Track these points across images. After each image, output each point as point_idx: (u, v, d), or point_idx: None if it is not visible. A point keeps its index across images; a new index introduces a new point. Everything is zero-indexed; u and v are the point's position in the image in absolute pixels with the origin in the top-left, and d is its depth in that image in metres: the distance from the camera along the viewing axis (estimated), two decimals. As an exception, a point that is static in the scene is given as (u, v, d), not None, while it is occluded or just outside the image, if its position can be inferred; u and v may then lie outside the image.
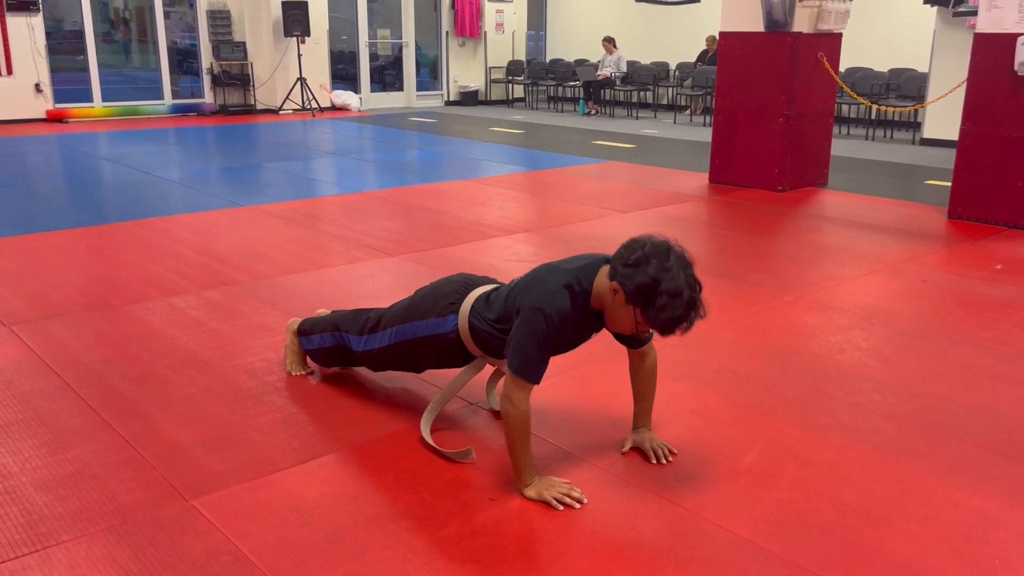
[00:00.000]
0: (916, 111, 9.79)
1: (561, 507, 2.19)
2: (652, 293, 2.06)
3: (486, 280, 2.61)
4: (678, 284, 2.05)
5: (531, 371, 2.20)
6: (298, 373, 3.05)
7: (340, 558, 1.98)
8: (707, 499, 2.26)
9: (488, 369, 2.73)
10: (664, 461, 2.45)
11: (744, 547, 2.05)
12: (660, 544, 2.06)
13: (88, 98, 11.83)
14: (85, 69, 11.77)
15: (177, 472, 2.36)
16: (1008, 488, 2.34)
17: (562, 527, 2.12)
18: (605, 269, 2.21)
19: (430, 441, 2.49)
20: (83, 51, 11.70)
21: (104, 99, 11.95)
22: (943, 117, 9.05)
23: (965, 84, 5.72)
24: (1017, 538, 2.10)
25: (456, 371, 2.60)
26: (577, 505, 2.20)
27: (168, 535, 2.06)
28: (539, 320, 2.18)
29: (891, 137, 10.64)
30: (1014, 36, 5.35)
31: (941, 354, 3.35)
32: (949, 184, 5.97)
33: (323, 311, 3.16)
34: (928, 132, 9.85)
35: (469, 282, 2.56)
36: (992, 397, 2.95)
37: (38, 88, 11.20)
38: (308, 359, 3.08)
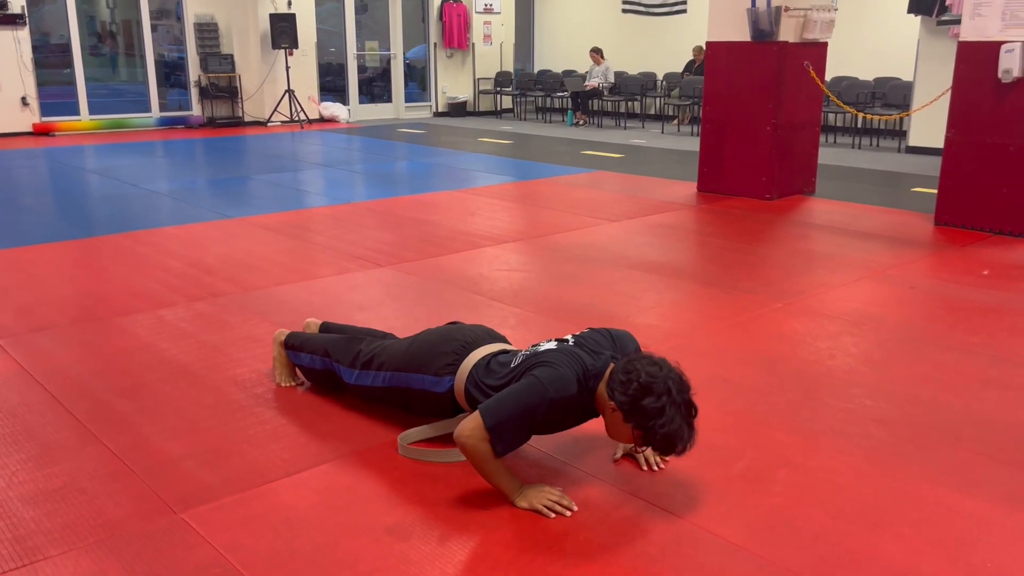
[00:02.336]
0: (901, 119, 9.87)
1: (553, 515, 2.18)
2: (647, 427, 2.10)
3: (485, 336, 2.60)
4: (673, 423, 2.09)
5: (503, 435, 2.18)
6: (287, 384, 3.03)
7: (332, 569, 1.96)
8: (700, 506, 2.26)
9: None
10: (656, 469, 2.45)
11: (737, 553, 2.04)
12: (653, 551, 2.05)
13: (75, 111, 11.79)
14: (72, 82, 11.73)
15: (166, 485, 2.34)
16: (999, 491, 2.34)
17: (554, 536, 2.11)
18: (605, 384, 2.22)
19: (410, 451, 2.49)
20: (70, 64, 11.67)
21: (91, 112, 11.91)
22: (928, 125, 9.13)
23: (950, 92, 5.77)
24: (1009, 542, 2.11)
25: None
26: (568, 513, 2.20)
27: (158, 548, 2.04)
28: (537, 392, 2.20)
29: (877, 145, 10.71)
30: (997, 44, 5.40)
31: (930, 359, 3.36)
32: (935, 191, 6.01)
33: (312, 321, 3.15)
34: (914, 140, 9.92)
35: (468, 341, 2.55)
36: (982, 401, 2.96)
37: (25, 101, 11.15)
38: (297, 371, 3.07)
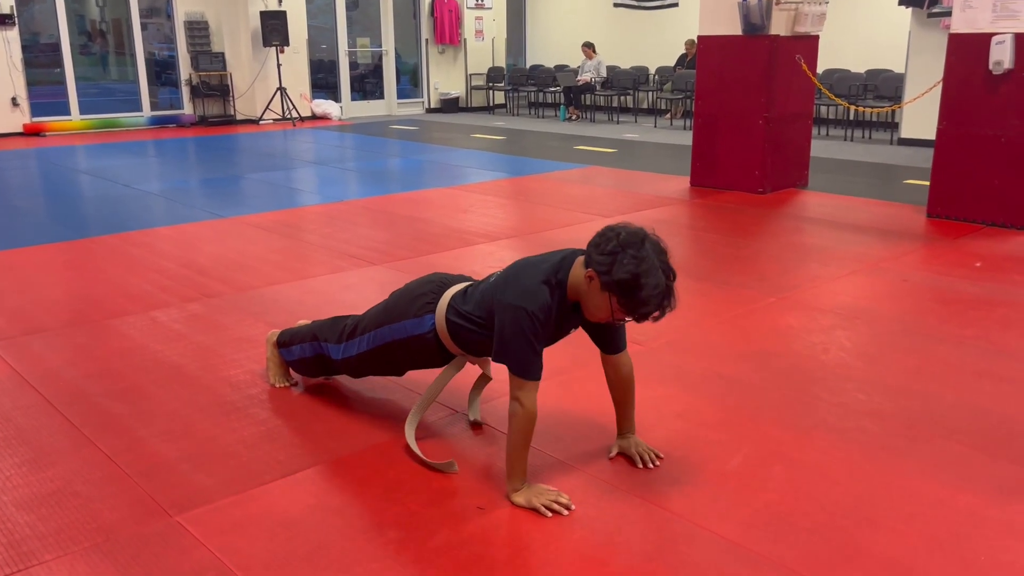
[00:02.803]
0: (893, 111, 9.88)
1: (550, 514, 2.19)
2: (627, 283, 2.07)
3: (461, 278, 2.60)
4: (654, 275, 2.07)
5: (529, 369, 2.20)
6: (281, 385, 3.03)
7: (327, 571, 1.96)
8: (695, 502, 2.26)
9: (469, 378, 2.72)
10: (651, 466, 2.45)
11: (733, 550, 2.05)
12: (649, 549, 2.06)
13: (66, 111, 11.73)
14: (62, 82, 11.67)
15: (161, 488, 2.33)
16: (993, 485, 2.35)
17: (551, 534, 2.11)
18: (580, 260, 2.22)
19: (415, 449, 2.48)
20: (60, 64, 11.61)
21: (82, 112, 11.85)
22: (920, 117, 9.14)
23: (941, 84, 5.78)
24: (1003, 535, 2.11)
25: (437, 371, 2.59)
26: (565, 512, 2.20)
27: (153, 552, 2.04)
28: (523, 318, 2.18)
29: (869, 137, 10.73)
30: (988, 36, 5.41)
31: (924, 352, 3.37)
32: (927, 183, 6.03)
33: (304, 322, 3.15)
34: (906, 132, 9.94)
35: (444, 281, 2.56)
36: (975, 394, 2.97)
37: (15, 102, 11.10)
38: (291, 371, 3.06)
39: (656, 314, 2.13)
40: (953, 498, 2.29)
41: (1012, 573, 1.96)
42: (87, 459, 2.50)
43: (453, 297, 2.47)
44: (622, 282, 2.08)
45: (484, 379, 2.75)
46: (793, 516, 2.19)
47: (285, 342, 2.99)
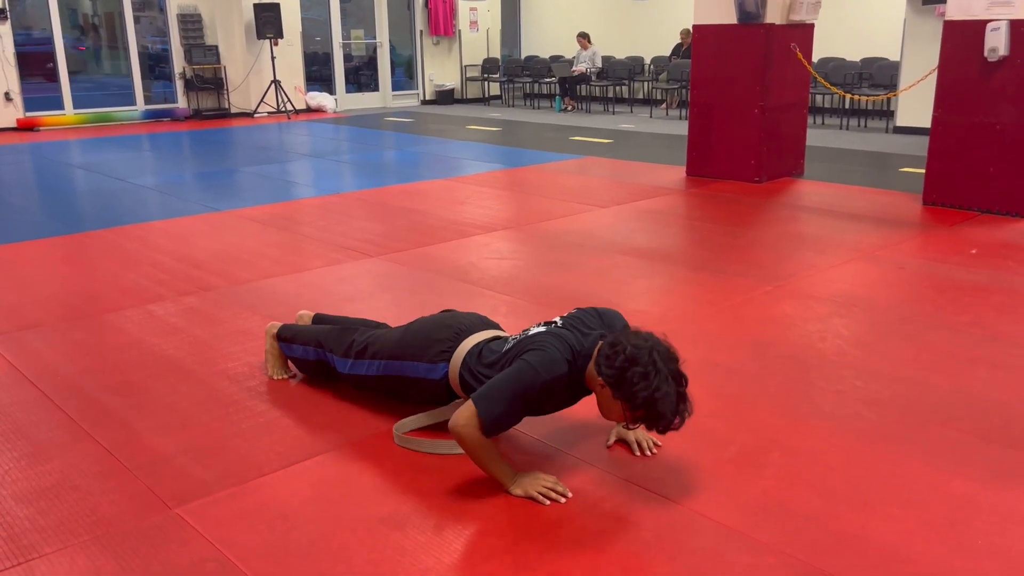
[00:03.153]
0: (889, 99, 9.88)
1: (548, 502, 2.19)
2: (637, 400, 2.10)
3: (479, 323, 2.62)
4: (662, 392, 2.08)
5: (495, 418, 2.19)
6: (280, 377, 3.03)
7: (327, 562, 1.97)
8: (693, 490, 2.27)
9: None
10: (649, 453, 2.46)
11: (732, 536, 2.06)
12: (648, 537, 2.06)
13: (59, 106, 11.69)
14: (55, 77, 11.63)
15: (160, 481, 2.34)
16: (988, 470, 2.36)
17: (549, 522, 2.12)
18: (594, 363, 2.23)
19: (411, 444, 2.49)
20: (53, 58, 11.56)
21: (76, 106, 11.82)
22: (916, 105, 9.14)
23: (936, 72, 5.78)
24: (999, 520, 2.13)
25: None
26: (563, 499, 2.21)
27: (153, 544, 2.04)
28: (529, 376, 2.21)
29: (865, 126, 10.73)
30: (983, 23, 5.41)
31: (920, 339, 3.38)
32: (923, 171, 6.03)
33: (305, 313, 3.15)
34: (901, 120, 9.94)
35: (461, 329, 2.56)
36: (970, 380, 2.98)
37: (8, 97, 11.05)
38: (290, 363, 3.06)
39: (668, 427, 2.14)
40: (949, 484, 2.30)
41: (1007, 557, 1.97)
42: (85, 453, 2.50)
43: (469, 353, 2.48)
44: (631, 401, 2.11)
45: None
46: (791, 503, 2.20)
47: (287, 338, 2.99)
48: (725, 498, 2.23)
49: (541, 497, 2.20)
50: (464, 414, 2.18)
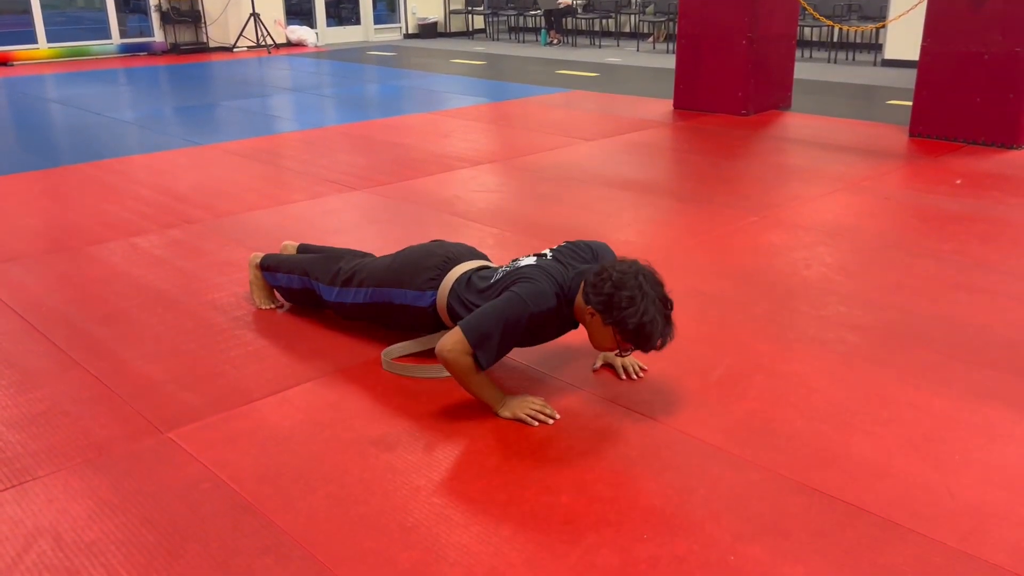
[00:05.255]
0: (877, 32, 9.78)
1: (536, 423, 2.23)
2: (626, 323, 2.12)
3: (467, 252, 2.61)
4: (650, 313, 2.12)
5: (485, 349, 2.19)
6: (266, 307, 3.03)
7: (320, 482, 2.00)
8: (679, 411, 2.31)
9: None
10: (635, 377, 2.49)
11: (716, 454, 2.10)
12: (634, 455, 2.10)
13: (32, 40, 11.38)
14: (28, 10, 11.29)
15: (151, 406, 2.35)
16: (966, 390, 2.41)
17: (537, 443, 2.16)
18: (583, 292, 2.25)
19: (398, 369, 2.52)
20: (23, -10, 11.21)
21: (49, 40, 11.51)
22: (904, 38, 9.06)
23: (926, 1, 5.71)
24: (975, 436, 2.18)
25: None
26: (551, 421, 2.24)
27: (146, 466, 2.06)
28: (518, 307, 2.22)
29: (853, 59, 10.64)
30: (975, -50, 5.32)
31: (904, 267, 3.41)
32: (910, 103, 6.01)
33: (289, 243, 3.13)
34: (889, 53, 9.86)
35: (450, 256, 2.56)
36: (952, 305, 3.02)
37: (-22, 30, 10.75)
38: (276, 292, 3.06)
39: (658, 346, 2.19)
40: (928, 402, 2.35)
41: (983, 470, 2.03)
42: (74, 380, 2.50)
43: (458, 280, 2.47)
44: (620, 324, 2.13)
45: None
46: (774, 422, 2.25)
47: (271, 267, 2.98)
48: (710, 418, 2.27)
49: (529, 419, 2.24)
50: (451, 339, 2.20)
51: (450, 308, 2.46)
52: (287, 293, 2.98)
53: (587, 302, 2.20)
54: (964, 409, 2.31)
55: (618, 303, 2.12)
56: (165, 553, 1.75)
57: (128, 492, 1.96)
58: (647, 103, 7.54)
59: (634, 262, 2.21)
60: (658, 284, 2.19)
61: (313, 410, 2.34)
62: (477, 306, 2.35)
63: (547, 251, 2.45)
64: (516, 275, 2.32)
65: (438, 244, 2.68)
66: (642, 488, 1.97)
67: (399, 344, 2.62)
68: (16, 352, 2.70)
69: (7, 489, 1.98)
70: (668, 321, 2.18)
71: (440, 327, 2.58)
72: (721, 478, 2.00)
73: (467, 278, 2.47)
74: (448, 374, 2.29)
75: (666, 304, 2.18)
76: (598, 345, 2.29)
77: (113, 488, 1.98)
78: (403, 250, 2.70)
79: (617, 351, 2.26)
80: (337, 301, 2.73)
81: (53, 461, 2.09)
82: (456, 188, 4.71)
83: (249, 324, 2.91)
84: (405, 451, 2.12)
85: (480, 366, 2.21)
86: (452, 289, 2.47)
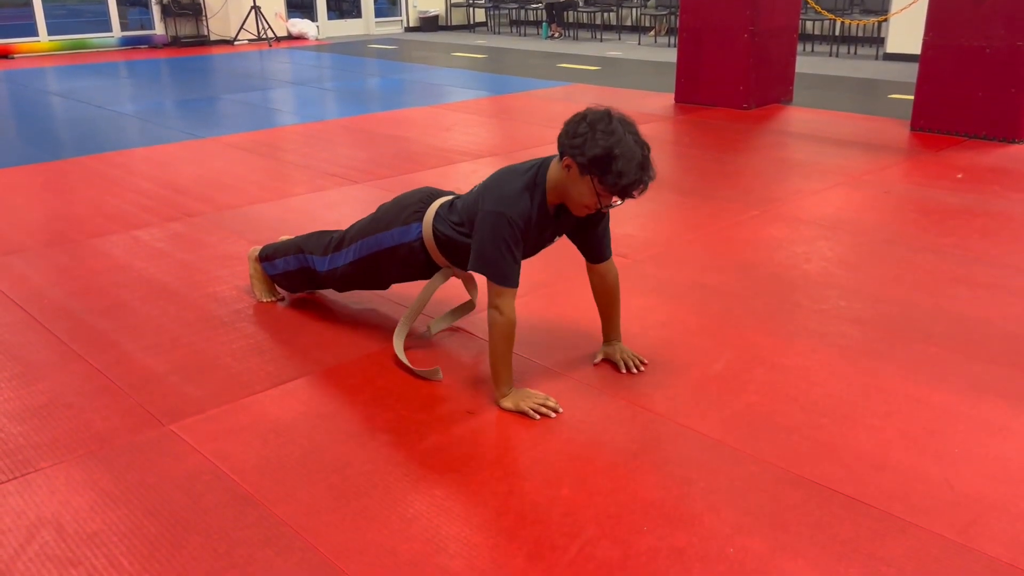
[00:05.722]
0: (879, 25, 9.76)
1: (538, 416, 2.23)
2: (605, 159, 2.08)
3: (450, 193, 2.60)
4: (628, 147, 2.09)
5: (507, 275, 2.21)
6: (268, 300, 3.03)
7: (321, 473, 2.01)
8: (679, 404, 2.32)
9: (455, 299, 2.73)
10: (635, 371, 2.49)
11: (716, 447, 2.11)
12: (634, 448, 2.11)
13: (33, 32, 11.37)
14: (28, 3, 11.27)
15: (152, 399, 2.36)
16: (965, 384, 2.42)
17: (539, 435, 2.16)
18: (555, 162, 2.22)
19: (403, 358, 2.51)
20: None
21: (50, 33, 11.49)
22: (906, 31, 9.04)
23: (928, -6, 5.70)
24: (975, 430, 2.18)
25: (423, 284, 2.62)
26: (553, 414, 2.25)
27: (148, 458, 2.07)
28: (502, 224, 2.19)
29: (855, 53, 10.61)
30: (977, -57, 5.31)
31: (904, 261, 3.42)
32: (912, 97, 6.00)
33: (286, 237, 3.13)
34: (891, 47, 9.83)
35: (432, 192, 2.57)
36: (952, 299, 3.02)
37: (-22, 22, 10.73)
38: (277, 286, 3.06)
39: (640, 186, 2.13)
40: (928, 396, 2.35)
41: (982, 463, 2.03)
42: (77, 373, 2.51)
43: (440, 206, 2.47)
44: (597, 158, 2.08)
45: (468, 306, 2.78)
46: (774, 416, 2.25)
47: (268, 256, 2.98)
48: (710, 411, 2.28)
49: (532, 411, 2.24)
50: (490, 294, 2.21)
51: (436, 235, 2.45)
52: (286, 280, 2.98)
53: (561, 153, 2.16)
54: (963, 403, 2.32)
55: (594, 139, 2.07)
56: (167, 544, 1.76)
57: (130, 484, 1.97)
58: (648, 97, 7.53)
59: (606, 108, 2.17)
60: (632, 125, 2.15)
61: (314, 402, 2.34)
62: (461, 224, 2.35)
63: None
64: (485, 185, 2.30)
65: (421, 187, 2.68)
66: (642, 481, 1.97)
67: (400, 324, 2.60)
68: (18, 344, 2.70)
69: (10, 480, 1.99)
70: (647, 160, 2.13)
71: (432, 268, 2.55)
72: (721, 471, 2.01)
73: (449, 203, 2.48)
74: (441, 377, 2.35)
75: (644, 147, 2.14)
76: (578, 207, 2.21)
77: (115, 480, 1.98)
78: (385, 202, 2.71)
79: (598, 204, 2.17)
80: (330, 268, 2.72)
81: (55, 453, 2.10)
82: (457, 181, 4.70)
83: (250, 317, 2.92)
84: (406, 444, 2.13)
85: (511, 283, 2.20)
86: (436, 215, 2.46)
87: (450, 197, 2.52)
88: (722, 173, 4.88)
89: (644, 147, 2.14)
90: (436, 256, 2.49)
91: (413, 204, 2.53)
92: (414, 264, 2.55)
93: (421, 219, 2.49)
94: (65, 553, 1.74)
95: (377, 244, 2.57)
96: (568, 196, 2.21)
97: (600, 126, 2.09)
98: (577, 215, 2.28)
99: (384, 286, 2.78)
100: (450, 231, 2.40)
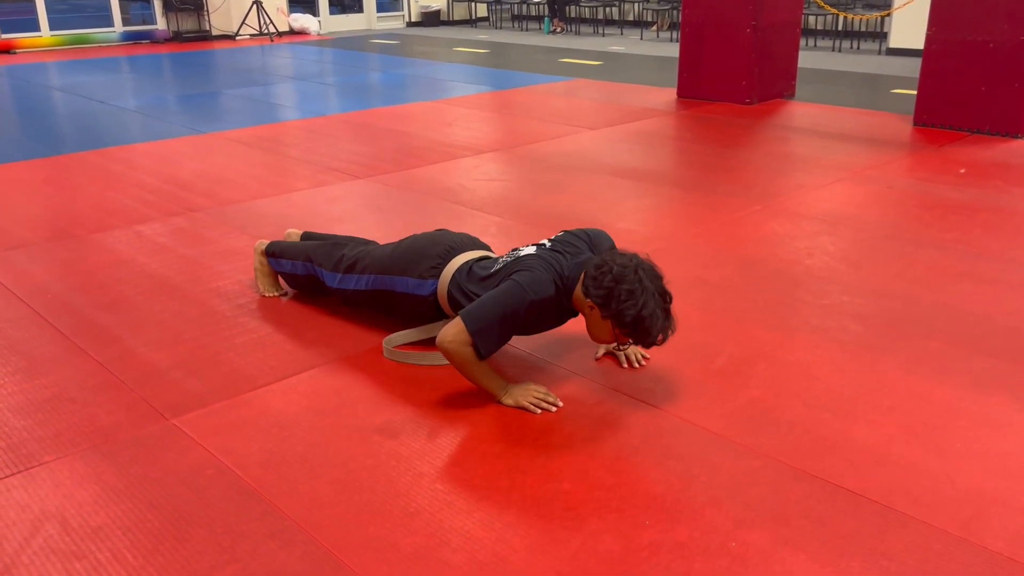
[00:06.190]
0: (882, 20, 9.74)
1: (538, 411, 2.24)
2: (627, 321, 2.13)
3: (470, 242, 2.62)
4: (650, 310, 2.12)
5: (485, 338, 2.21)
6: (271, 294, 3.04)
7: (324, 468, 2.01)
8: (680, 399, 2.32)
9: None
10: (637, 366, 2.50)
11: (717, 441, 2.11)
12: (635, 442, 2.12)
13: (35, 27, 11.36)
14: (29, -3, 11.28)
15: (156, 393, 2.36)
16: (968, 379, 2.42)
17: (540, 429, 2.17)
18: (582, 285, 2.26)
19: (399, 357, 2.52)
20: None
21: (52, 28, 11.49)
22: (909, 26, 9.01)
23: (931, -11, 5.69)
24: (977, 425, 2.19)
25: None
26: (553, 409, 2.25)
27: (151, 452, 2.08)
28: (518, 296, 2.22)
29: (857, 48, 10.59)
30: (981, -63, 5.29)
31: (906, 256, 3.41)
32: (915, 92, 5.99)
33: (293, 231, 3.14)
34: (894, 42, 9.81)
35: (453, 245, 2.57)
36: (954, 295, 3.02)
37: (-20, 17, 10.73)
38: (281, 280, 3.07)
39: (660, 339, 2.18)
40: (930, 391, 2.35)
41: (984, 458, 2.04)
42: (80, 367, 2.52)
43: (459, 270, 2.48)
44: (620, 317, 2.14)
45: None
46: (775, 410, 2.26)
47: (275, 253, 2.99)
48: (711, 406, 2.28)
49: (532, 406, 2.25)
50: (452, 330, 2.21)
51: (451, 297, 2.47)
52: (291, 279, 2.99)
53: (587, 295, 2.21)
54: (965, 397, 2.32)
55: (617, 296, 2.13)
56: (171, 538, 1.77)
57: (134, 478, 1.98)
58: (651, 92, 7.52)
59: (634, 255, 2.22)
60: (657, 278, 2.19)
61: (317, 397, 2.35)
62: (477, 295, 2.36)
63: (546, 241, 2.46)
64: (516, 265, 2.33)
65: (441, 233, 2.68)
66: (644, 475, 1.98)
67: (400, 332, 2.63)
68: (22, 339, 2.71)
69: (14, 474, 2.00)
70: (668, 315, 2.18)
71: (441, 316, 2.59)
72: (722, 465, 2.01)
73: (468, 267, 2.48)
74: (447, 361, 2.30)
75: (665, 298, 2.19)
76: (596, 337, 2.30)
77: (119, 474, 1.99)
78: (406, 239, 2.71)
79: (616, 344, 2.27)
80: (340, 287, 2.74)
81: (59, 447, 2.10)
82: (459, 176, 4.71)
83: (253, 312, 2.92)
84: (408, 438, 2.14)
85: (480, 355, 2.22)
86: (453, 278, 2.47)
87: (471, 257, 2.53)
88: (724, 168, 4.88)
89: (667, 299, 2.19)
90: (446, 309, 2.53)
91: (433, 258, 2.53)
92: (423, 312, 2.60)
93: (438, 276, 2.50)
94: (69, 547, 1.75)
95: (390, 285, 2.60)
96: (587, 324, 2.29)
97: (625, 284, 2.13)
98: (592, 340, 2.34)
99: (389, 316, 2.76)
100: (463, 299, 2.42)
